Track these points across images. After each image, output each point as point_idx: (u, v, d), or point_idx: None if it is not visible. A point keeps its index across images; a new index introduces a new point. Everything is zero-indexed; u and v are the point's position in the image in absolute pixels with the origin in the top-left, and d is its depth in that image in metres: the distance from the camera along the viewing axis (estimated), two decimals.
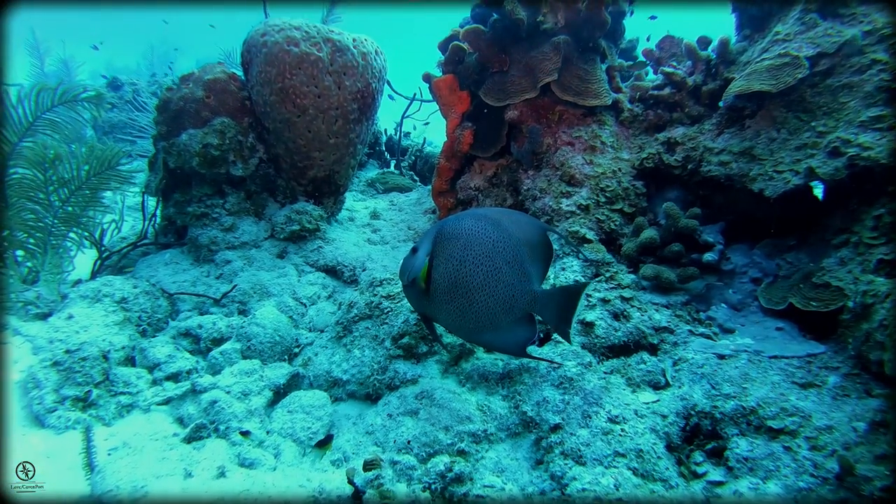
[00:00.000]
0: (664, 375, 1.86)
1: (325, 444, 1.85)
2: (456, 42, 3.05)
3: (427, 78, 3.28)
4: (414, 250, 1.71)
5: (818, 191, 2.36)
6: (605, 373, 1.87)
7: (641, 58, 3.30)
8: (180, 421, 1.95)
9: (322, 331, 2.48)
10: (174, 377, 2.13)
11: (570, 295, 1.61)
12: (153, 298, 2.50)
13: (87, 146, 2.61)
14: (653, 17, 3.22)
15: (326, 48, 2.88)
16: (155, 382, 2.10)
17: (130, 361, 2.18)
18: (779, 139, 2.26)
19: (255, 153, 3.04)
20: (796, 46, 2.28)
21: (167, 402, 2.03)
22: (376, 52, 3.11)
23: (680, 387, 1.79)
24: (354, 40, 2.99)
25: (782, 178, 2.16)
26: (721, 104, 2.61)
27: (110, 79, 5.59)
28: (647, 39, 3.13)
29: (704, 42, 2.86)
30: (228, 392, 1.99)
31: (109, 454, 1.61)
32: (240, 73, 3.13)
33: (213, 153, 2.86)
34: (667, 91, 2.79)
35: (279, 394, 2.07)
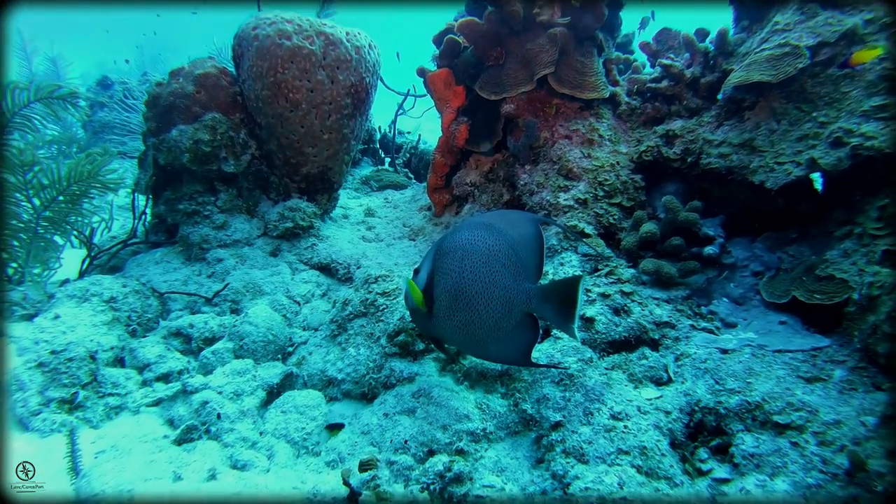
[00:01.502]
0: (666, 371, 1.82)
1: (335, 428, 1.83)
2: (451, 35, 3.01)
3: (422, 72, 3.23)
4: (416, 272, 1.69)
5: (818, 183, 2.33)
6: (607, 369, 1.82)
7: (638, 51, 3.27)
8: (171, 422, 1.90)
9: (316, 329, 2.43)
10: (165, 378, 2.08)
11: (568, 288, 1.51)
12: (143, 298, 2.44)
13: (72, 160, 2.54)
14: (647, 20, 3.18)
15: (319, 41, 2.83)
16: (145, 383, 2.05)
17: (120, 362, 2.12)
18: (779, 130, 2.23)
19: (248, 149, 2.98)
20: (796, 36, 2.25)
21: (157, 403, 1.98)
22: (370, 45, 3.06)
23: (683, 382, 1.75)
24: (348, 34, 2.94)
25: (783, 170, 2.12)
26: (720, 96, 2.58)
27: (100, 77, 5.51)
28: (640, 28, 3.09)
29: (702, 34, 2.82)
30: (220, 392, 1.95)
31: (96, 457, 1.55)
32: (231, 68, 3.07)
33: (204, 149, 2.80)
34: (665, 84, 2.75)
35: (273, 394, 2.03)
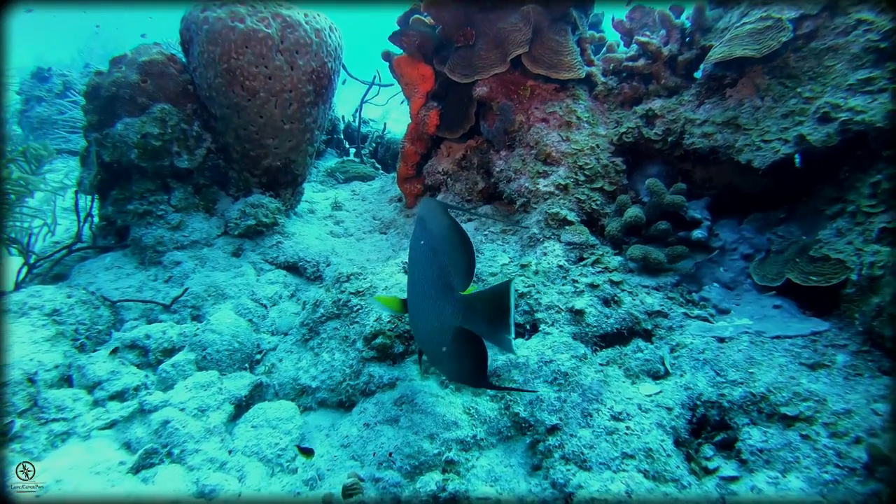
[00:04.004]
0: (663, 363, 1.73)
1: (307, 453, 1.68)
2: (417, 15, 2.84)
3: (387, 56, 3.05)
4: None
5: (796, 161, 2.26)
6: (602, 364, 1.72)
7: (610, 30, 3.16)
8: (127, 447, 1.70)
9: (286, 334, 2.26)
10: (119, 396, 1.88)
11: (497, 298, 1.24)
12: (92, 308, 2.22)
13: None
14: None
15: (275, 24, 2.62)
16: (96, 404, 1.85)
17: (67, 381, 1.91)
18: (763, 107, 2.15)
19: (203, 143, 2.76)
20: (777, 9, 2.17)
21: (111, 425, 1.78)
22: (331, 28, 2.87)
23: (682, 375, 1.66)
24: (306, 15, 2.74)
25: (771, 148, 2.04)
26: (698, 74, 2.49)
27: (35, 69, 5.10)
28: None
29: (677, 10, 2.72)
30: (183, 409, 1.77)
31: (38, 496, 1.36)
32: (180, 54, 2.83)
33: (153, 144, 2.57)
34: (642, 62, 2.65)
35: (241, 407, 1.86)
